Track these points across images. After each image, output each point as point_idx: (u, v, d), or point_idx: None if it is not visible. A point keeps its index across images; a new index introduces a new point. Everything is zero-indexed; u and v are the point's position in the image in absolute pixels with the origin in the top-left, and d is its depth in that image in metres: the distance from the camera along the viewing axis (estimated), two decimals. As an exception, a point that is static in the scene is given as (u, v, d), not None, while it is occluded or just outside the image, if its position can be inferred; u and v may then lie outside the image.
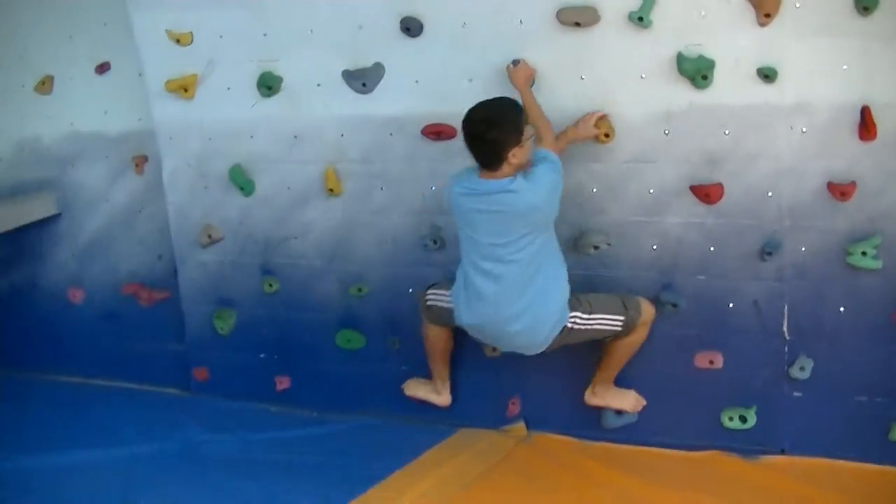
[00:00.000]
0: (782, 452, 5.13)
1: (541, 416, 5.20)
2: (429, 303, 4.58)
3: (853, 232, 4.50)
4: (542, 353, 4.73)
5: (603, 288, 4.87)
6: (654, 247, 4.76)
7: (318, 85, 5.09)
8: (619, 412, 5.26)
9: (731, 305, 4.76)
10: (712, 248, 4.71)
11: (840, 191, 4.45)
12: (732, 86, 4.31)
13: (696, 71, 4.35)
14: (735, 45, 4.52)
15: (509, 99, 4.07)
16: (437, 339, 4.76)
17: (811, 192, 4.47)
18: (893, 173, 4.61)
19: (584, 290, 4.81)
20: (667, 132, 4.59)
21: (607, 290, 4.82)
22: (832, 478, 4.88)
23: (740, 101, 4.30)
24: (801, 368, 5.01)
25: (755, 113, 4.35)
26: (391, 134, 5.03)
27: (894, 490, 4.76)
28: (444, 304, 4.52)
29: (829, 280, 4.67)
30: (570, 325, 4.29)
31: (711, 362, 4.86)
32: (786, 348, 4.90)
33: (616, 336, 4.38)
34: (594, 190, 4.72)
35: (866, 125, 4.54)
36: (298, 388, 5.64)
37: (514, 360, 5.29)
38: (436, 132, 4.92)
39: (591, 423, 5.04)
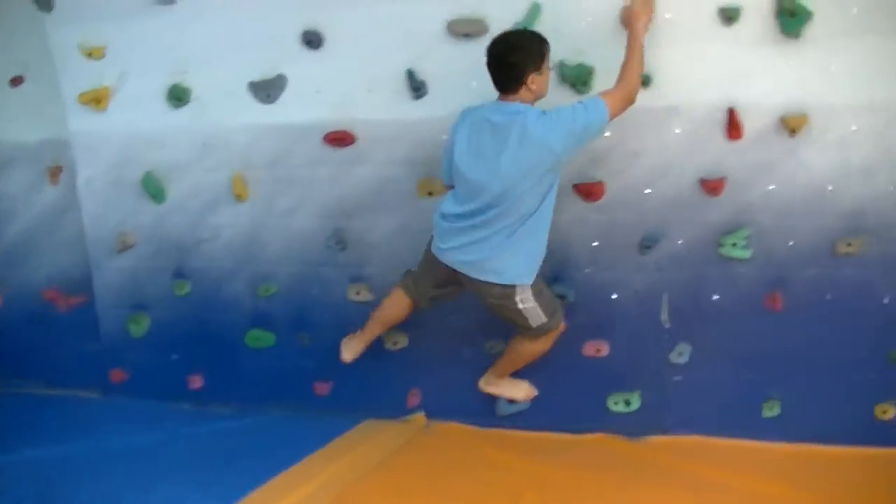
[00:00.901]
0: (664, 433, 5.33)
1: (440, 405, 5.35)
2: (413, 270, 4.66)
3: (724, 224, 4.72)
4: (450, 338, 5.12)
5: None
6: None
7: (226, 96, 5.11)
8: (511, 401, 5.38)
9: (615, 296, 4.88)
10: (596, 243, 4.82)
11: (711, 186, 4.62)
12: None
13: (577, 78, 4.49)
14: (613, 52, 4.62)
15: (535, 32, 4.15)
16: (393, 308, 4.89)
17: (686, 188, 4.65)
18: (759, 169, 4.83)
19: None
20: (553, 135, 4.39)
21: None
22: (711, 454, 5.09)
23: None
24: (680, 354, 5.20)
25: (633, 115, 4.32)
26: (295, 141, 5.08)
27: (767, 463, 4.99)
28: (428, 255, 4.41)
29: (704, 270, 4.84)
30: (518, 299, 4.46)
31: (598, 350, 4.98)
32: (665, 335, 4.97)
33: (525, 334, 4.49)
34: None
35: (733, 125, 4.81)
36: (212, 386, 5.68)
37: (414, 353, 5.53)
38: (337, 139, 5.03)
39: (487, 412, 5.19)
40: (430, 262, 4.40)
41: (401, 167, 5.00)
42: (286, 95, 5.14)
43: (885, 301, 4.88)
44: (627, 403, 5.00)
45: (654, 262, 4.76)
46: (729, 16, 4.29)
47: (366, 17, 4.80)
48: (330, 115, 5.03)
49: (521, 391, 4.91)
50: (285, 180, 5.22)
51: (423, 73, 4.84)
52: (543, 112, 3.90)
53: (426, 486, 4.58)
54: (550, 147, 3.94)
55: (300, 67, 5.04)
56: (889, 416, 5.09)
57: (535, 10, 4.83)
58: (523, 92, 4.01)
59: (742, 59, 4.43)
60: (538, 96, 4.05)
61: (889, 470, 4.89)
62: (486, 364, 5.38)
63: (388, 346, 5.13)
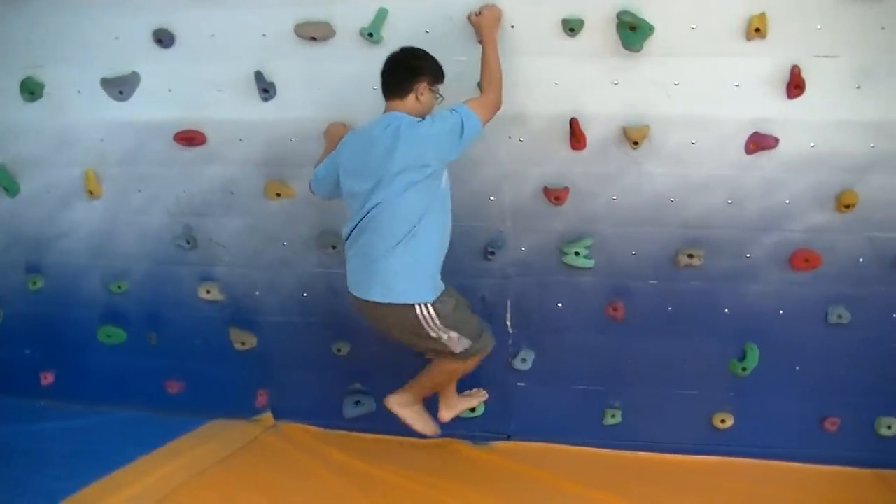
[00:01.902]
0: (508, 438, 5.32)
1: (288, 406, 5.34)
2: (471, 340, 4.35)
3: (568, 233, 4.73)
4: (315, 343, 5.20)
5: None
6: (389, 247, 4.41)
7: (79, 92, 5.03)
8: (357, 403, 5.35)
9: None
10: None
11: (554, 195, 4.60)
12: (454, 98, 4.20)
13: None
14: (457, 60, 4.44)
15: (431, 55, 4.00)
16: None
17: (530, 196, 4.65)
18: (602, 179, 4.81)
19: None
20: (401, 141, 4.27)
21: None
22: (554, 460, 5.13)
23: None
24: (524, 360, 5.18)
25: None
26: (147, 139, 4.99)
27: (607, 470, 5.07)
28: (453, 304, 4.30)
29: (549, 277, 4.83)
30: (422, 318, 4.09)
31: None
32: (510, 341, 4.96)
33: (447, 360, 4.22)
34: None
35: (575, 135, 4.77)
36: (64, 382, 5.54)
37: (263, 354, 5.50)
38: (188, 138, 4.93)
39: (335, 414, 5.18)
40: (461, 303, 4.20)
41: (250, 168, 4.94)
42: (139, 93, 4.98)
43: (726, 311, 4.94)
44: (472, 409, 4.92)
45: (499, 268, 4.74)
46: (572, 27, 4.29)
47: (215, 18, 4.74)
48: (181, 113, 4.90)
49: (427, 424, 4.70)
50: (138, 178, 5.09)
51: (272, 75, 4.79)
52: (418, 120, 3.81)
53: (256, 487, 4.58)
54: (421, 146, 3.93)
55: (152, 66, 4.88)
56: (727, 425, 5.13)
57: (381, 15, 4.79)
58: (410, 100, 3.99)
59: (585, 71, 4.45)
60: (423, 112, 3.97)
61: (725, 477, 5.00)
62: (333, 366, 5.42)
63: (237, 346, 5.07)
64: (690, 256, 4.56)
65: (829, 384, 4.95)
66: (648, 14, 4.21)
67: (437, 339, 4.01)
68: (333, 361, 5.03)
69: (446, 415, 4.50)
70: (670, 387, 4.71)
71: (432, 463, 4.98)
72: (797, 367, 4.67)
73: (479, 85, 4.07)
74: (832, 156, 4.32)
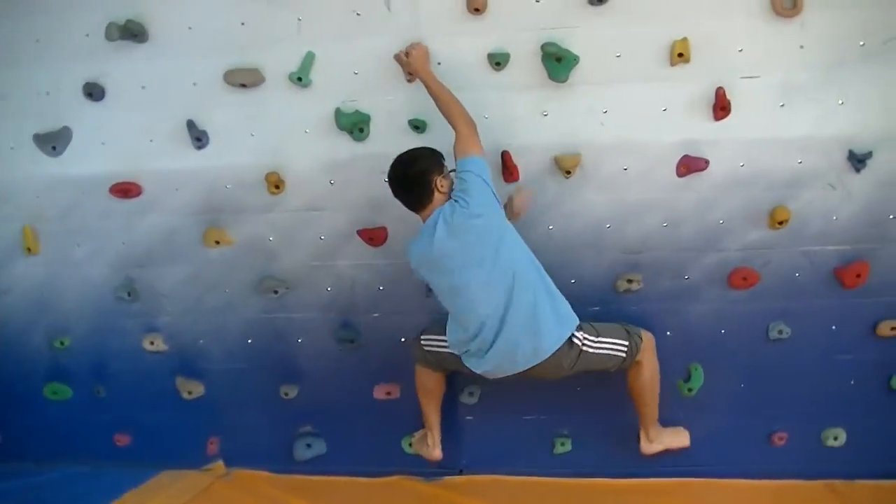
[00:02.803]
0: (460, 472, 5.27)
1: (239, 453, 5.22)
2: (425, 348, 4.43)
3: None
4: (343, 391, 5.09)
5: (297, 326, 5.16)
6: (329, 288, 4.83)
7: (12, 148, 4.97)
8: (308, 445, 5.34)
9: (403, 339, 4.81)
10: (382, 287, 4.80)
11: None
12: (388, 137, 4.48)
13: (353, 124, 4.50)
14: (387, 99, 4.56)
15: (422, 147, 4.13)
16: (429, 382, 4.54)
17: None
18: (537, 210, 4.80)
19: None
20: (332, 182, 4.64)
21: (294, 329, 5.18)
22: (506, 492, 5.09)
23: (396, 151, 4.26)
24: (471, 394, 5.15)
25: None
26: (83, 193, 4.93)
27: (559, 498, 5.05)
28: (441, 349, 4.39)
29: None
30: (580, 343, 4.12)
31: (389, 393, 4.93)
32: (456, 376, 4.96)
33: (623, 367, 4.26)
34: (271, 238, 4.81)
35: (508, 168, 4.77)
36: (11, 442, 5.40)
37: (211, 401, 5.43)
38: (124, 190, 4.87)
39: (286, 458, 5.12)
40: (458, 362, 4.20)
41: (188, 216, 4.88)
42: (72, 147, 4.94)
43: (668, 333, 4.91)
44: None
45: (439, 303, 4.71)
46: (498, 61, 4.34)
47: (145, 68, 4.71)
48: (116, 166, 4.86)
49: (682, 438, 4.72)
50: (76, 232, 4.99)
51: (204, 123, 4.74)
52: (453, 202, 3.96)
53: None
54: (474, 224, 4.05)
55: (84, 119, 4.84)
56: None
57: (308, 59, 4.79)
58: (436, 197, 4.00)
59: (514, 103, 4.46)
60: (448, 193, 4.01)
61: (678, 498, 5.03)
62: (282, 410, 5.43)
63: (185, 395, 4.98)
64: (630, 281, 4.53)
65: (775, 399, 5.00)
66: (573, 45, 4.26)
67: (597, 356, 4.20)
68: (282, 405, 4.99)
69: (650, 447, 4.61)
70: (618, 412, 4.61)
71: (386, 502, 4.95)
72: (742, 385, 4.69)
73: (448, 120, 4.15)
74: (762, 174, 4.36)
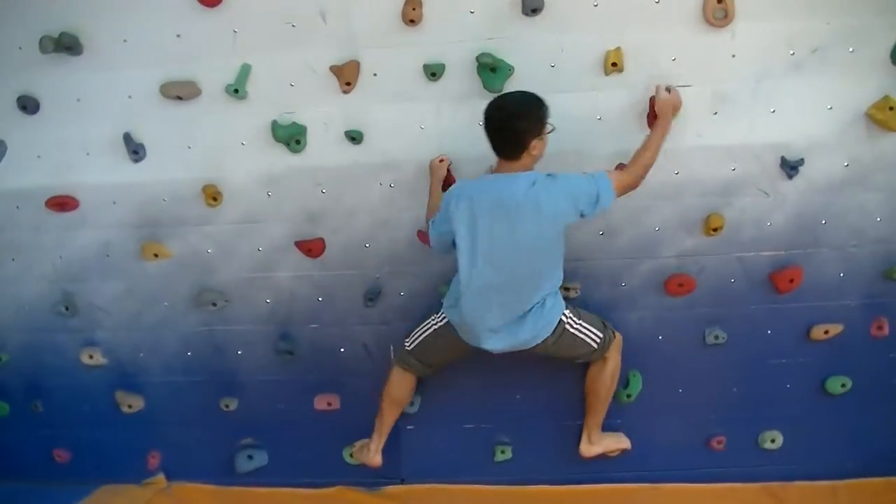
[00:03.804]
0: (402, 482, 5.27)
1: (180, 466, 5.15)
2: (408, 346, 4.46)
3: (445, 274, 4.74)
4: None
5: (236, 338, 5.10)
6: (268, 300, 4.78)
7: (-55, 162, 4.75)
8: (250, 457, 5.25)
9: (343, 350, 4.82)
10: (321, 298, 4.75)
11: (428, 238, 4.66)
12: (325, 149, 4.46)
13: (290, 136, 4.44)
14: (323, 111, 4.49)
15: (532, 93, 3.93)
16: (400, 390, 4.57)
17: (404, 241, 4.60)
18: None
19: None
20: (269, 194, 4.60)
21: (233, 341, 5.16)
22: (448, 500, 5.12)
23: (333, 162, 4.42)
24: (411, 403, 5.11)
25: (347, 172, 4.53)
26: (18, 207, 4.83)
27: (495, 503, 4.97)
28: (427, 331, 4.48)
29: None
30: (564, 321, 4.17)
31: (329, 404, 4.90)
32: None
33: (592, 358, 4.32)
34: (209, 251, 4.72)
35: (445, 178, 4.71)
36: (-51, 461, 5.06)
37: (151, 414, 5.41)
38: (60, 204, 4.76)
39: (227, 470, 5.08)
40: (449, 344, 4.41)
41: (125, 230, 4.81)
42: (7, 161, 4.78)
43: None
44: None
45: (379, 314, 4.71)
46: (433, 72, 4.30)
47: (80, 81, 4.58)
48: (52, 179, 4.72)
49: (622, 441, 4.74)
50: (11, 246, 4.90)
51: (141, 136, 4.64)
52: (549, 176, 3.87)
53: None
54: (560, 215, 3.97)
55: (19, 133, 4.71)
56: (616, 452, 5.05)
57: (244, 71, 4.75)
58: (525, 157, 3.88)
59: (450, 114, 4.44)
60: (537, 159, 3.92)
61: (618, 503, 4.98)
62: (223, 422, 5.37)
63: (124, 409, 4.95)
64: (567, 289, 4.45)
65: (713, 404, 5.05)
66: (507, 55, 4.23)
67: (576, 337, 4.30)
68: (222, 418, 4.94)
69: (591, 450, 4.63)
70: (558, 419, 4.67)
71: None
72: (680, 390, 4.70)
73: (639, 158, 4.11)
74: (696, 181, 4.38)
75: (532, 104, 3.81)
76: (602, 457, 4.73)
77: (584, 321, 4.08)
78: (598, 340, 4.13)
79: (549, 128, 3.79)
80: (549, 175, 3.74)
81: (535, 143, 3.77)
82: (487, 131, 3.84)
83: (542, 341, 3.98)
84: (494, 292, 3.82)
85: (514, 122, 3.75)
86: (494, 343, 3.95)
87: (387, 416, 4.47)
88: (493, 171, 3.88)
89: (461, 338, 4.03)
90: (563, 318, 4.00)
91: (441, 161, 4.28)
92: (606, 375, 4.24)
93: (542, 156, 3.86)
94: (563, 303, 4.01)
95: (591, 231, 4.34)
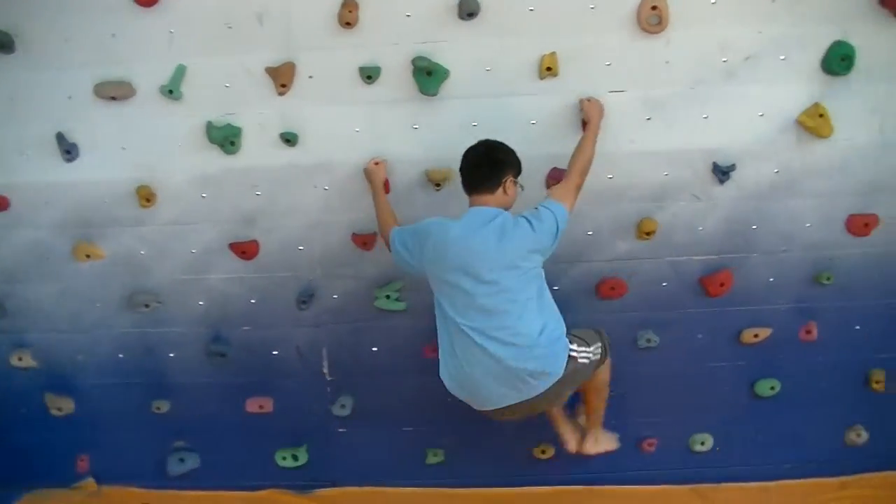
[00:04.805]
0: (334, 484, 5.27)
1: (110, 470, 5.11)
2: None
3: (378, 277, 4.68)
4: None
5: (169, 340, 5.02)
6: (202, 302, 4.71)
7: None
8: (181, 460, 5.26)
9: (276, 352, 4.79)
10: (254, 300, 4.72)
11: (362, 241, 4.57)
12: (260, 150, 4.41)
13: (225, 138, 4.37)
14: (258, 113, 4.44)
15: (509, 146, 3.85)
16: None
17: (338, 244, 4.63)
18: (408, 223, 4.61)
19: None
20: (204, 195, 4.50)
21: (165, 343, 5.07)
22: (379, 503, 5.08)
23: (268, 164, 4.41)
24: (343, 406, 5.12)
25: (282, 174, 4.48)
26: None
27: None
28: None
29: (363, 323, 4.82)
30: (576, 356, 3.92)
31: (262, 407, 4.87)
32: (328, 388, 4.91)
33: (591, 372, 4.01)
34: (142, 252, 4.65)
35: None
36: None
37: (81, 418, 5.28)
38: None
39: (159, 473, 5.04)
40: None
41: (57, 231, 4.70)
42: (-62, 161, 4.52)
43: None
44: (295, 458, 4.91)
45: (313, 317, 4.70)
46: (369, 75, 4.29)
47: (12, 80, 4.49)
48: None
49: (614, 441, 4.66)
50: (-58, 246, 4.65)
51: (74, 136, 4.55)
52: (519, 219, 3.78)
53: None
54: (526, 246, 3.88)
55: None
56: (548, 455, 5.19)
57: (179, 72, 4.68)
58: (498, 194, 3.83)
59: (385, 117, 4.43)
60: (508, 204, 3.84)
61: None
62: (154, 425, 5.33)
63: (54, 412, 4.85)
64: None
65: (644, 406, 5.06)
66: (443, 59, 4.23)
67: (588, 363, 4.01)
68: (154, 420, 4.87)
69: (595, 447, 4.54)
70: (490, 422, 4.68)
71: None
72: (612, 393, 4.78)
73: (571, 167, 4.09)
74: (629, 186, 4.40)
75: (510, 148, 3.87)
76: (542, 461, 4.83)
77: (588, 343, 4.02)
78: (600, 350, 4.05)
79: (521, 184, 3.86)
80: (519, 217, 3.74)
81: (509, 182, 3.80)
82: (465, 169, 3.86)
83: (552, 384, 3.76)
84: (484, 338, 3.72)
85: (493, 154, 3.80)
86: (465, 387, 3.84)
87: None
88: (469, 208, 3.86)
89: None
90: (573, 353, 3.86)
91: (377, 164, 4.30)
92: (606, 376, 4.18)
93: (512, 203, 3.87)
94: (566, 340, 3.75)
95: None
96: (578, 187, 3.86)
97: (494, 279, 3.62)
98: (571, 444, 4.35)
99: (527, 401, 3.68)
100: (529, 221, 3.66)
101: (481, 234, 3.64)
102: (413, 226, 3.87)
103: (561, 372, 3.65)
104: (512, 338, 3.63)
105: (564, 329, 3.74)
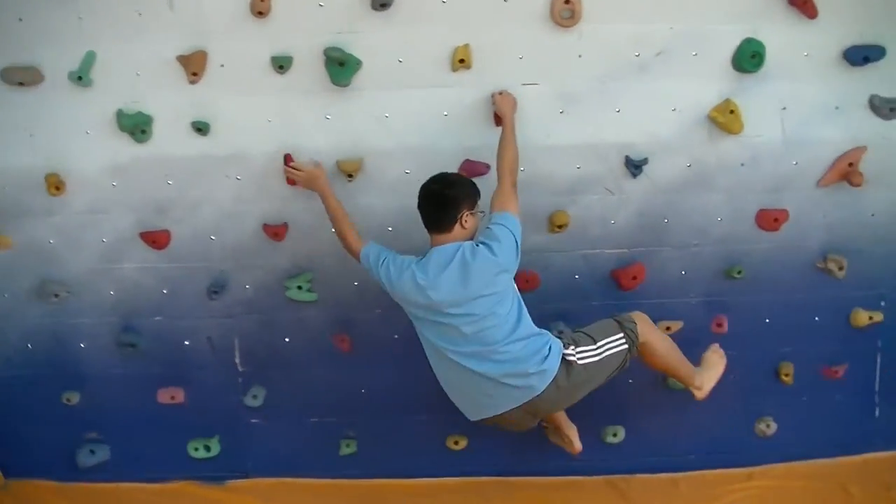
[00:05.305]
0: (247, 476, 5.22)
1: (19, 463, 4.99)
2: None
3: (290, 268, 4.62)
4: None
5: (79, 330, 4.92)
6: (112, 292, 4.62)
7: None
8: (92, 452, 5.15)
9: (187, 343, 4.70)
10: (166, 291, 4.65)
11: (274, 232, 4.53)
12: (171, 139, 4.34)
13: (135, 126, 4.30)
14: (170, 101, 4.34)
15: (466, 177, 3.96)
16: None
17: (250, 234, 4.56)
18: (320, 214, 4.71)
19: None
20: (115, 184, 4.44)
21: (75, 334, 5.06)
22: (291, 494, 5.11)
23: (179, 153, 4.34)
24: (255, 397, 5.08)
25: (194, 163, 4.40)
26: None
27: (345, 500, 5.15)
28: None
29: (274, 313, 4.76)
30: (577, 360, 3.85)
31: (173, 398, 4.79)
32: (240, 379, 4.85)
33: (633, 356, 4.04)
34: (51, 241, 4.53)
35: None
36: None
37: None
38: None
39: (69, 466, 4.96)
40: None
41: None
42: None
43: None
44: (208, 449, 4.83)
45: (224, 307, 4.64)
46: (281, 65, 4.23)
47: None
48: None
49: (721, 364, 4.61)
50: None
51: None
52: (478, 245, 3.78)
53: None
54: (492, 273, 3.91)
55: None
56: (461, 446, 5.20)
57: (89, 59, 4.60)
58: (457, 230, 3.80)
59: (296, 107, 4.40)
60: (470, 237, 3.81)
61: (462, 497, 5.14)
62: (64, 417, 5.23)
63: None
64: None
65: None
66: (356, 49, 4.21)
67: (603, 360, 3.96)
68: (64, 412, 4.76)
69: (702, 391, 4.50)
70: (403, 413, 4.68)
71: None
72: None
73: (499, 170, 4.10)
74: (542, 179, 4.41)
75: (464, 178, 3.89)
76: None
77: (600, 340, 3.92)
78: (623, 341, 3.93)
79: (480, 209, 3.77)
80: (474, 244, 3.80)
81: (467, 216, 3.75)
82: (422, 206, 3.84)
83: (548, 388, 3.78)
84: (468, 358, 3.76)
85: (447, 191, 3.76)
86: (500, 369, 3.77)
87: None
88: (430, 247, 3.86)
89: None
90: (567, 356, 3.85)
91: (315, 168, 4.35)
92: (661, 353, 4.13)
93: (475, 232, 3.83)
94: (558, 347, 3.83)
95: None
96: (515, 186, 3.86)
97: (468, 311, 3.69)
98: (577, 443, 4.45)
99: (529, 403, 3.78)
100: (489, 246, 3.67)
101: (445, 277, 3.69)
102: (393, 254, 3.99)
103: (552, 370, 3.78)
104: (494, 355, 3.79)
105: (548, 339, 3.79)
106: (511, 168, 3.90)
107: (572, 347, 3.79)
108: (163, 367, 4.73)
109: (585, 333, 3.83)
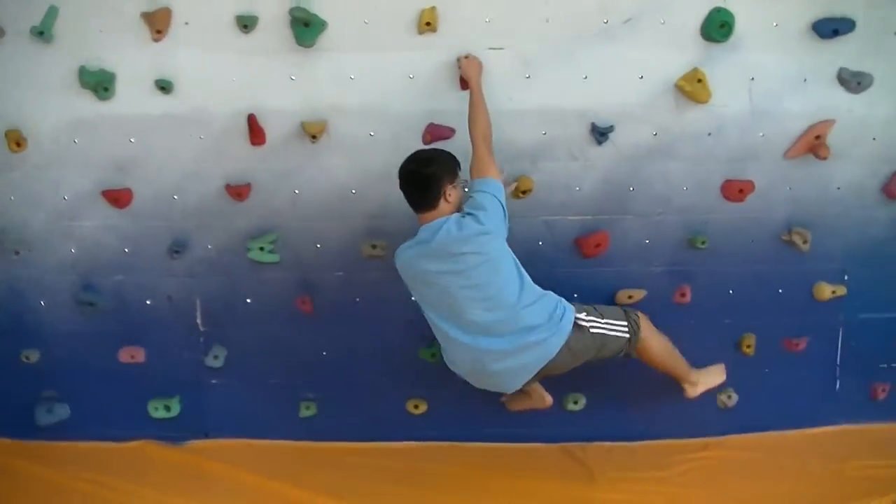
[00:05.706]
0: (206, 436, 5.22)
1: None
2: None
3: (252, 229, 4.62)
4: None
5: (39, 288, 4.94)
6: (73, 250, 4.62)
7: None
8: (49, 410, 5.14)
9: (148, 302, 4.74)
10: (127, 250, 4.65)
11: (237, 192, 4.52)
12: (134, 97, 4.34)
13: (98, 83, 4.28)
14: (133, 59, 4.33)
15: (441, 149, 3.90)
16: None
17: (212, 194, 4.57)
18: (283, 175, 4.75)
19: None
20: (76, 141, 4.42)
21: (35, 291, 5.02)
22: (251, 456, 5.08)
23: (142, 112, 4.35)
24: (216, 357, 5.06)
25: (157, 122, 4.39)
26: None
27: (304, 461, 5.12)
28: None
29: (236, 274, 4.75)
30: (585, 324, 3.94)
31: (134, 357, 4.81)
32: (201, 339, 4.89)
33: (630, 349, 4.17)
34: (11, 198, 4.53)
35: (254, 131, 4.66)
36: None
37: None
38: None
39: (27, 424, 4.87)
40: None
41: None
42: None
43: (413, 299, 4.62)
44: (168, 409, 4.86)
45: (186, 267, 4.64)
46: (245, 24, 4.20)
47: None
48: None
49: (720, 373, 4.62)
50: None
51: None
52: (463, 215, 3.74)
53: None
54: (481, 241, 3.88)
55: None
56: (421, 410, 5.20)
57: (51, 13, 4.52)
58: (442, 205, 3.78)
59: (262, 67, 4.37)
60: (455, 208, 3.81)
61: (424, 461, 5.11)
62: (22, 374, 5.17)
63: None
64: (374, 247, 4.52)
65: None
66: (321, 10, 4.18)
67: (607, 334, 4.08)
68: (22, 369, 4.79)
69: (695, 390, 4.50)
70: (363, 375, 4.77)
71: (128, 467, 4.90)
72: None
73: (472, 136, 4.07)
74: (507, 143, 4.34)
75: (440, 152, 3.85)
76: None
77: (607, 318, 3.95)
78: (626, 329, 4.00)
79: (462, 180, 3.80)
80: (460, 215, 3.83)
81: (449, 190, 3.76)
82: (403, 188, 3.84)
83: (561, 350, 3.80)
84: (481, 331, 3.81)
85: (425, 170, 3.75)
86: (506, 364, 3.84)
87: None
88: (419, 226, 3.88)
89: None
90: (579, 321, 3.86)
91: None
92: (657, 351, 4.19)
93: (460, 203, 3.83)
94: (571, 308, 3.86)
95: (398, 190, 3.98)
96: (490, 150, 3.85)
97: (458, 266, 3.79)
98: (547, 396, 4.52)
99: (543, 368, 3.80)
100: (475, 216, 3.69)
101: (437, 239, 3.79)
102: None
103: (565, 330, 3.90)
104: (503, 326, 3.88)
105: (557, 299, 3.90)
106: (484, 134, 3.87)
107: (584, 314, 3.84)
108: (123, 326, 4.74)
109: (594, 307, 3.91)
